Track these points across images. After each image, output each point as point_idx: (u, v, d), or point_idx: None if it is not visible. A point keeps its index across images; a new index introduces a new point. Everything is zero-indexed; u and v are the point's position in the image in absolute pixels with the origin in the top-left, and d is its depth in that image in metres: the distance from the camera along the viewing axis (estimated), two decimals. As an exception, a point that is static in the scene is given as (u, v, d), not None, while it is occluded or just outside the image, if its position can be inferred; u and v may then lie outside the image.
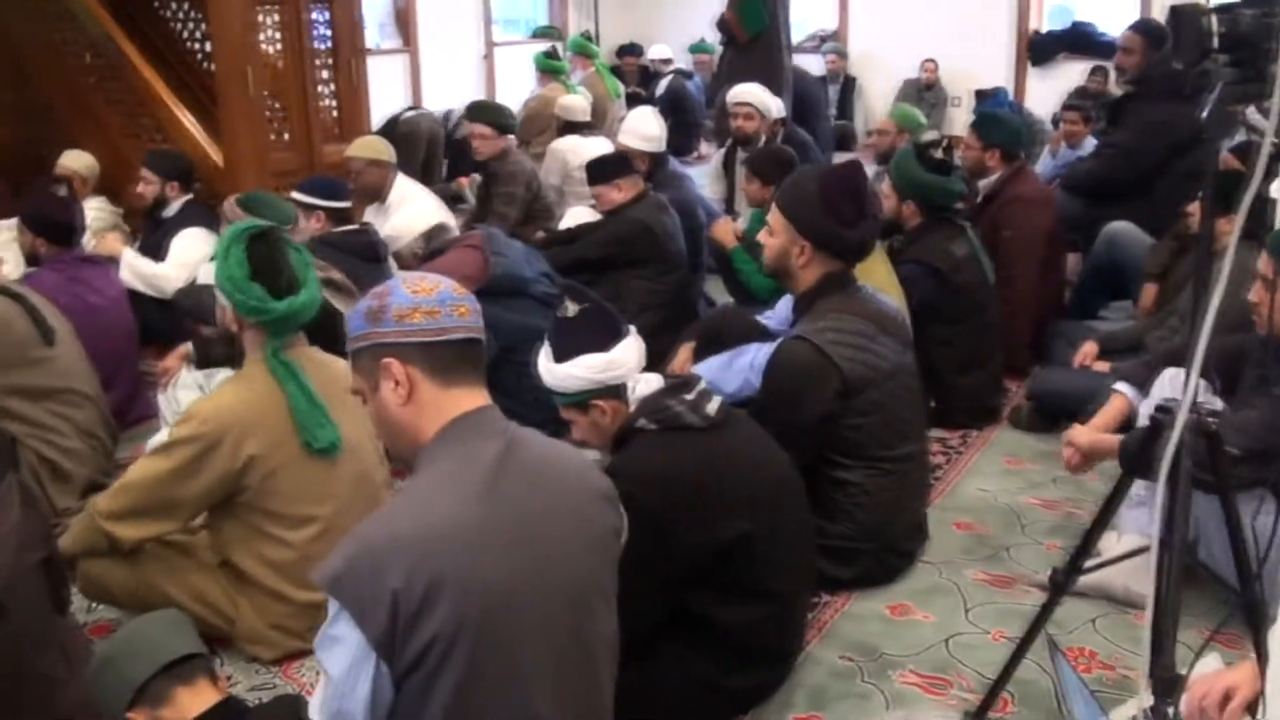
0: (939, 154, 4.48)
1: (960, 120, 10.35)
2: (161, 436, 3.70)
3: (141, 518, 2.89)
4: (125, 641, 2.16)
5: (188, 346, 4.07)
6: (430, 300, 1.94)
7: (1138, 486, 2.81)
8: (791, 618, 2.81)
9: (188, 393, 3.95)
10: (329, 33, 6.27)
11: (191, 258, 5.16)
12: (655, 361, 2.94)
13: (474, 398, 1.96)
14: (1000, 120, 5.43)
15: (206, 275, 4.61)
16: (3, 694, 2.30)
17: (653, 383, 2.62)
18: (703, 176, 7.07)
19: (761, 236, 3.39)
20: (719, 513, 2.53)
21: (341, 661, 1.77)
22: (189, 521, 3.01)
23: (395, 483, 3.19)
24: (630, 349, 2.60)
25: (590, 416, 2.62)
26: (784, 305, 3.68)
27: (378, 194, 5.49)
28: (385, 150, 5.56)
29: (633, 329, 2.67)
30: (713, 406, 2.60)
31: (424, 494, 1.89)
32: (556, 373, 2.58)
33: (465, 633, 1.77)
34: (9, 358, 3.78)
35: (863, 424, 3.22)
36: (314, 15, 6.14)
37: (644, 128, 5.75)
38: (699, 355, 3.72)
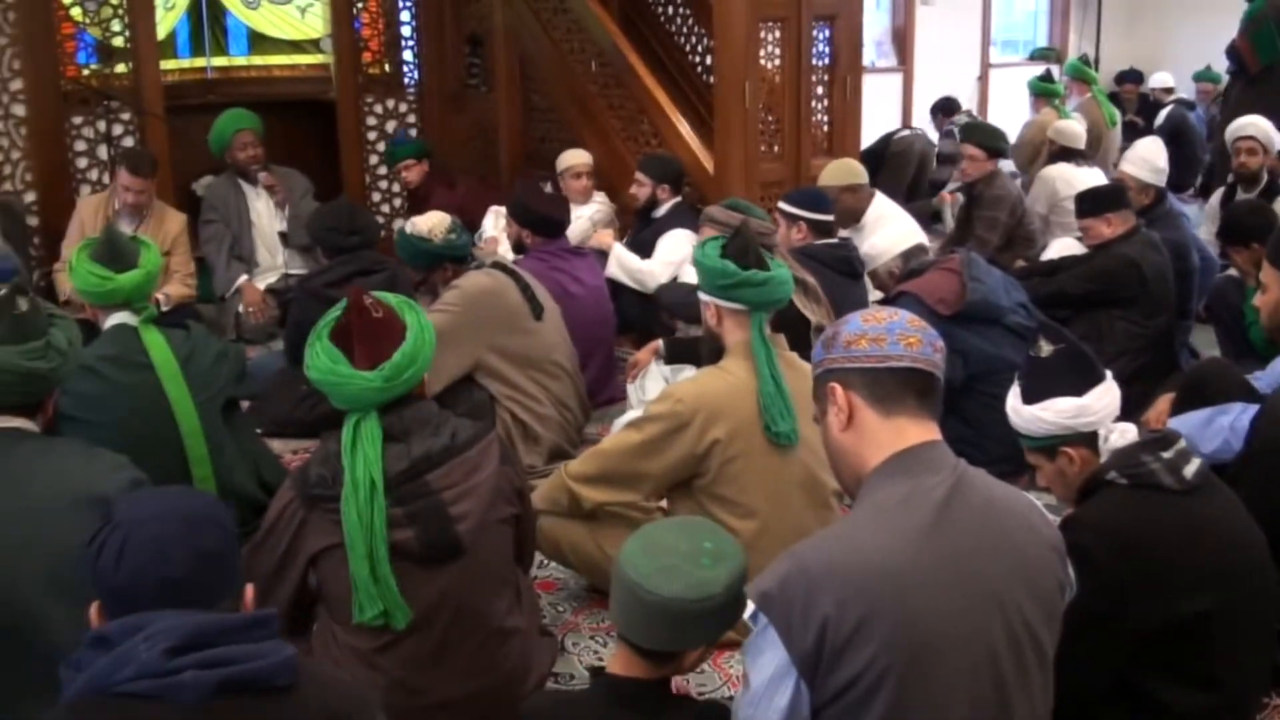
0: None
1: None
2: (629, 416, 3.95)
3: (606, 484, 3.15)
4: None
5: (659, 343, 4.34)
6: (878, 329, 1.96)
7: None
8: (1239, 713, 2.52)
9: (655, 384, 4.23)
10: (828, 50, 6.37)
11: (675, 257, 5.46)
12: (1130, 409, 2.77)
13: (921, 430, 1.94)
14: None
15: (688, 274, 4.87)
16: (456, 635, 2.50)
17: (1128, 434, 2.46)
18: (1198, 215, 6.63)
19: (1257, 299, 3.13)
20: (1181, 586, 2.32)
21: (764, 672, 1.81)
22: (649, 498, 3.20)
23: (846, 500, 3.21)
24: (1105, 395, 2.47)
25: (1057, 463, 2.51)
26: (1278, 365, 3.39)
27: (854, 217, 5.50)
28: (858, 173, 5.58)
29: (1109, 374, 2.53)
30: (1191, 469, 2.40)
31: (866, 525, 1.88)
32: (1024, 414, 2.50)
33: (892, 671, 1.75)
34: (501, 323, 4.21)
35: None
36: (815, 33, 6.25)
37: (1155, 158, 5.50)
38: (1178, 408, 3.47)
